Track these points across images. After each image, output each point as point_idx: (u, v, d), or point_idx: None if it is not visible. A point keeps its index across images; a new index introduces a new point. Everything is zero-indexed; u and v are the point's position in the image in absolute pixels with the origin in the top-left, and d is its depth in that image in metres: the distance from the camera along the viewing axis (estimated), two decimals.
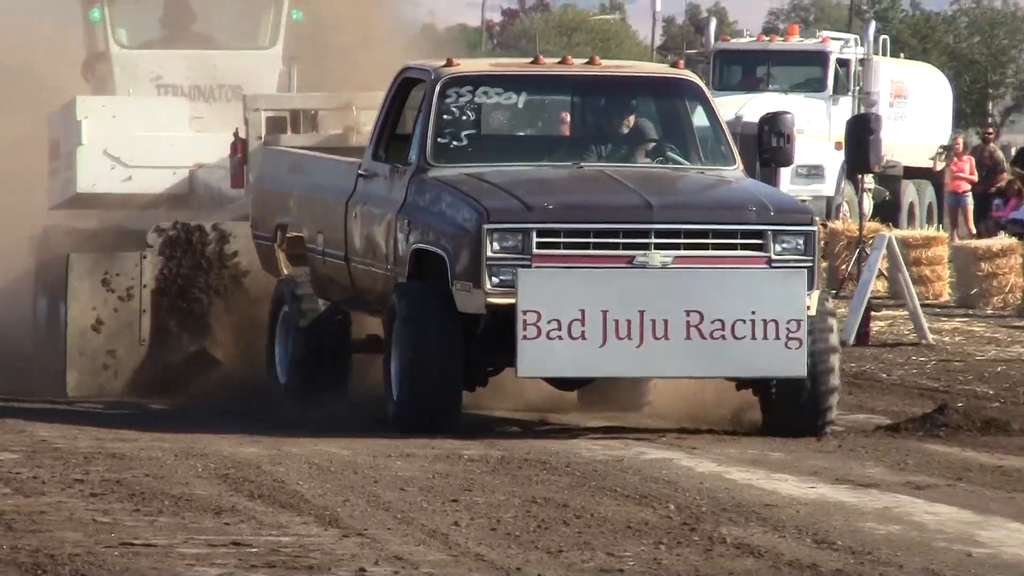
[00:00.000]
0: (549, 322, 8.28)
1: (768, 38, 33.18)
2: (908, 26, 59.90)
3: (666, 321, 8.41)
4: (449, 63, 9.87)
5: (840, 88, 29.67)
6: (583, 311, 8.33)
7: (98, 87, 13.80)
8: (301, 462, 7.88)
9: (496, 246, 8.56)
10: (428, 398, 8.82)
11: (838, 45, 30.65)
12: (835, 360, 9.18)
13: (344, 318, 10.54)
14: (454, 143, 9.66)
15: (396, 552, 5.16)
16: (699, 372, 8.97)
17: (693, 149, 10.07)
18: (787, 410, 9.01)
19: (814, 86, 30.27)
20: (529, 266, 8.52)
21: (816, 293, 9.00)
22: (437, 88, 9.48)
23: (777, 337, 8.50)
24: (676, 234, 8.77)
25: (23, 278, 13.56)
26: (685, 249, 8.76)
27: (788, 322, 8.48)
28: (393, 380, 9.03)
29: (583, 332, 8.35)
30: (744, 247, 8.96)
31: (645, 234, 8.73)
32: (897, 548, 5.50)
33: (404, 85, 10.02)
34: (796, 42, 32.21)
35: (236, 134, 11.89)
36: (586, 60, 10.64)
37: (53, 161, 13.44)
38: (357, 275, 9.99)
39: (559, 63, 10.43)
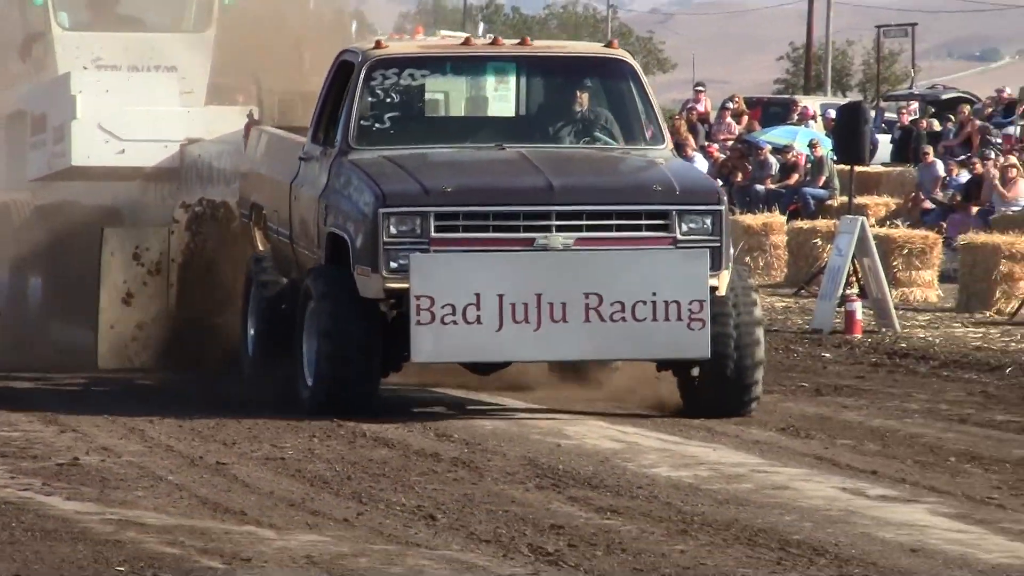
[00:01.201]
0: (443, 307, 8.29)
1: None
2: (510, 27, 69.09)
3: (564, 304, 8.40)
4: (378, 45, 9.89)
5: None
6: (478, 295, 8.35)
7: (37, 67, 14.09)
8: (64, 393, 9.92)
9: (393, 230, 8.53)
10: (343, 386, 8.78)
11: None
12: (759, 334, 9.09)
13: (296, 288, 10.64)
14: (377, 125, 9.71)
15: (103, 444, 6.89)
16: (599, 355, 9.07)
17: (623, 129, 10.01)
18: (709, 389, 8.97)
19: None
20: (427, 250, 8.53)
21: (726, 272, 8.89)
22: (363, 70, 9.52)
23: (679, 318, 8.46)
24: (578, 215, 8.76)
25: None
26: (588, 231, 8.73)
27: (690, 303, 8.44)
28: (306, 366, 9.04)
29: (478, 316, 8.37)
30: (649, 228, 8.87)
31: (546, 216, 8.70)
32: (502, 440, 7.24)
33: (342, 68, 10.01)
34: None
35: (250, 115, 12.12)
36: (518, 40, 10.59)
37: (36, 134, 13.70)
38: (300, 256, 10.13)
39: (490, 44, 10.60)
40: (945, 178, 23.27)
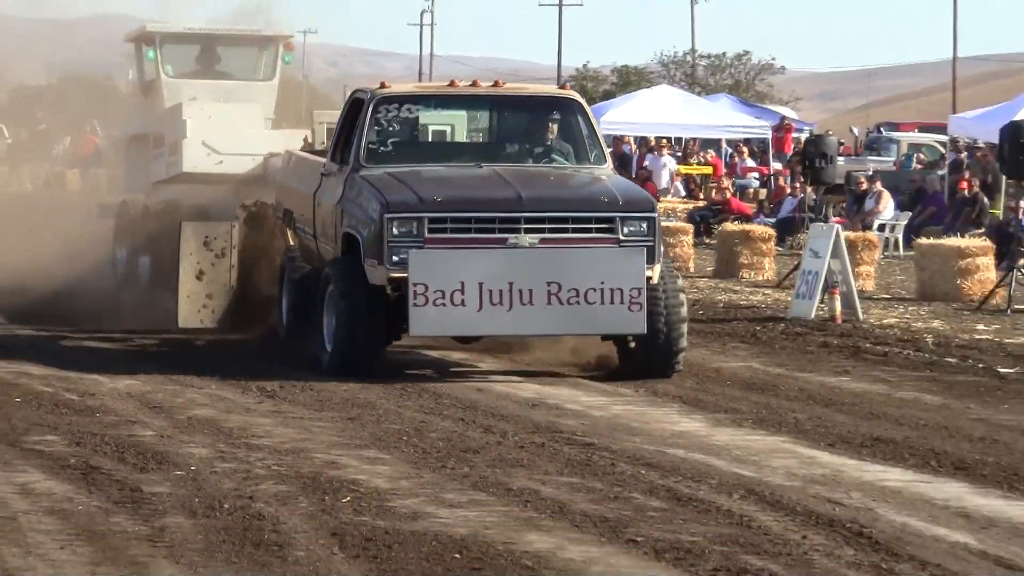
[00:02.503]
0: (435, 292, 10.15)
1: None
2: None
3: (531, 290, 10.23)
4: (383, 86, 12.22)
5: None
6: (462, 283, 10.17)
7: (151, 104, 17.75)
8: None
9: (395, 231, 10.36)
10: (355, 352, 10.74)
11: None
12: (683, 313, 11.04)
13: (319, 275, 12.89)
14: (382, 148, 11.75)
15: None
16: (558, 331, 11.00)
17: (574, 152, 12.02)
18: (642, 356, 10.93)
19: None
20: (422, 247, 10.40)
21: (658, 266, 10.79)
22: (371, 105, 11.61)
23: (622, 302, 10.28)
24: (542, 220, 10.65)
25: (104, 236, 17.55)
26: (550, 232, 10.62)
27: (631, 290, 10.27)
28: (326, 336, 11.01)
29: (463, 300, 10.20)
30: (598, 230, 10.77)
31: (516, 221, 10.57)
32: (464, 391, 10.40)
33: (354, 104, 12.19)
34: None
35: (306, 139, 14.88)
36: (492, 83, 12.84)
37: (157, 148, 16.78)
38: (321, 250, 12.25)
39: (470, 85, 12.61)
40: None
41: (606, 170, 12.01)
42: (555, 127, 12.22)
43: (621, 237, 10.62)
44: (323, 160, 12.88)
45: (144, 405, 9.65)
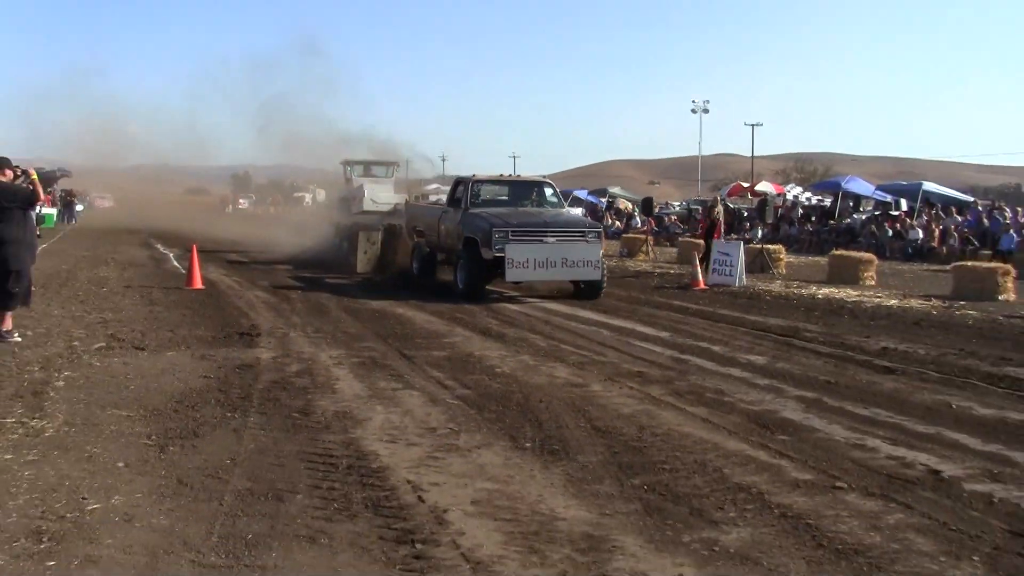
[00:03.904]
0: (517, 262, 20.54)
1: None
2: None
3: (555, 261, 20.80)
4: (474, 176, 23.86)
5: None
6: (527, 258, 20.59)
7: (349, 186, 36.18)
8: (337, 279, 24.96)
9: (496, 235, 20.82)
10: (474, 287, 21.35)
11: None
12: (604, 271, 21.90)
13: (433, 254, 24.95)
14: (478, 200, 23.00)
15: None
16: (566, 278, 21.76)
17: (552, 202, 23.72)
18: (587, 290, 21.72)
19: None
20: (510, 242, 20.64)
21: (601, 251, 21.72)
22: (471, 183, 23.31)
23: (592, 266, 21.12)
24: (557, 232, 21.37)
25: (331, 233, 33.94)
26: (561, 236, 21.37)
27: (596, 260, 21.21)
28: (459, 279, 21.78)
29: (527, 265, 20.58)
30: (578, 235, 21.64)
31: (545, 232, 21.24)
32: (521, 312, 21.31)
33: (460, 182, 24.14)
34: None
35: (407, 199, 30.87)
36: (518, 175, 26.31)
37: (351, 203, 33.80)
38: (443, 244, 23.93)
39: (509, 175, 25.58)
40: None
41: (573, 211, 26.18)
42: (544, 192, 23.97)
43: (588, 239, 21.52)
44: (440, 206, 25.45)
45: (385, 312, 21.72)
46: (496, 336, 15.52)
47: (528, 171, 44.20)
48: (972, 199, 47.21)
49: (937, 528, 6.72)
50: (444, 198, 27.15)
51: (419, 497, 7.06)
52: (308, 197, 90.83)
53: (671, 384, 11.73)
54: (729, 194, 49.01)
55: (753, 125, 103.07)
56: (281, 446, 8.45)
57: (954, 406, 10.79)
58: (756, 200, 46.80)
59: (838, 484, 7.68)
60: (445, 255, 24.04)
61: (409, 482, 7.44)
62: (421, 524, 6.48)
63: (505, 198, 23.30)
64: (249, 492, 7.12)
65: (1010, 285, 22.88)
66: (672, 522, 6.69)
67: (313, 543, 6.10)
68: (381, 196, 32.90)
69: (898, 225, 40.18)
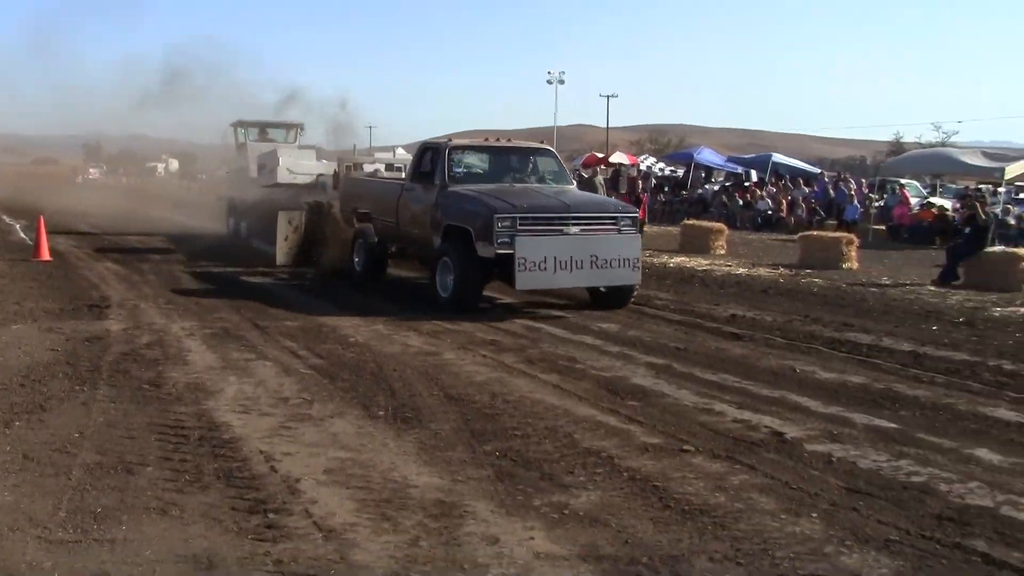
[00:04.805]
0: (530, 263, 14.37)
1: None
2: None
3: (581, 260, 14.65)
4: (450, 140, 17.31)
5: None
6: (545, 257, 14.42)
7: (243, 154, 30.09)
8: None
9: (500, 225, 14.50)
10: (469, 295, 15.14)
11: None
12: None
13: (384, 245, 18.77)
14: (459, 173, 16.73)
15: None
16: (595, 283, 15.44)
17: (553, 177, 17.46)
18: (614, 298, 15.84)
19: None
20: (519, 235, 14.41)
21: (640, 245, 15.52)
22: (448, 150, 16.72)
23: (629, 266, 15.04)
24: (580, 219, 15.06)
25: (221, 210, 30.20)
26: (584, 225, 15.08)
27: (634, 259, 15.10)
28: (450, 284, 15.20)
29: (544, 267, 14.42)
30: (609, 223, 15.35)
31: (566, 219, 14.93)
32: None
33: (428, 150, 17.34)
34: None
35: (335, 171, 23.03)
36: (508, 139, 18.00)
37: (261, 171, 27.76)
38: (404, 232, 17.59)
39: (496, 140, 17.89)
40: None
41: (575, 188, 18.01)
42: (542, 163, 17.69)
43: (621, 228, 15.27)
44: (394, 181, 19.29)
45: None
46: (350, 306, 15.45)
47: (383, 143, 39.35)
48: (819, 171, 48.53)
49: (779, 487, 6.92)
50: (382, 169, 22.42)
51: (271, 467, 7.01)
52: (160, 167, 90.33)
53: (524, 352, 11.84)
54: (584, 164, 49.38)
55: (608, 96, 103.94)
56: (131, 418, 8.28)
57: (798, 370, 11.14)
58: (610, 171, 47.34)
59: (685, 447, 7.86)
60: (402, 247, 18.75)
61: (262, 452, 7.38)
62: (273, 494, 6.44)
63: (486, 169, 17.62)
64: (98, 465, 6.97)
65: (853, 254, 23.47)
66: (523, 487, 6.76)
67: (164, 515, 6.01)
68: (301, 165, 26.49)
69: (748, 196, 41.00)
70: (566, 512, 6.30)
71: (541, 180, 17.16)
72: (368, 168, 22.44)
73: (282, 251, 21.21)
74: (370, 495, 6.50)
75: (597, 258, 14.66)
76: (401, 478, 6.90)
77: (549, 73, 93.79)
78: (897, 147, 75.22)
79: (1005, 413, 9.46)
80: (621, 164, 46.29)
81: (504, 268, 14.71)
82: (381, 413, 8.72)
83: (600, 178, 29.58)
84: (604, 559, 5.52)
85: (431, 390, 9.62)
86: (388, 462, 7.28)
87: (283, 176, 25.94)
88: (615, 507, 6.43)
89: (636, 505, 6.48)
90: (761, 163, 46.54)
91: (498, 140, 17.77)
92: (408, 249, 18.43)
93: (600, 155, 53.10)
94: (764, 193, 40.63)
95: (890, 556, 5.71)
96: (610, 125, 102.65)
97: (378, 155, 24.90)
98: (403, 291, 17.95)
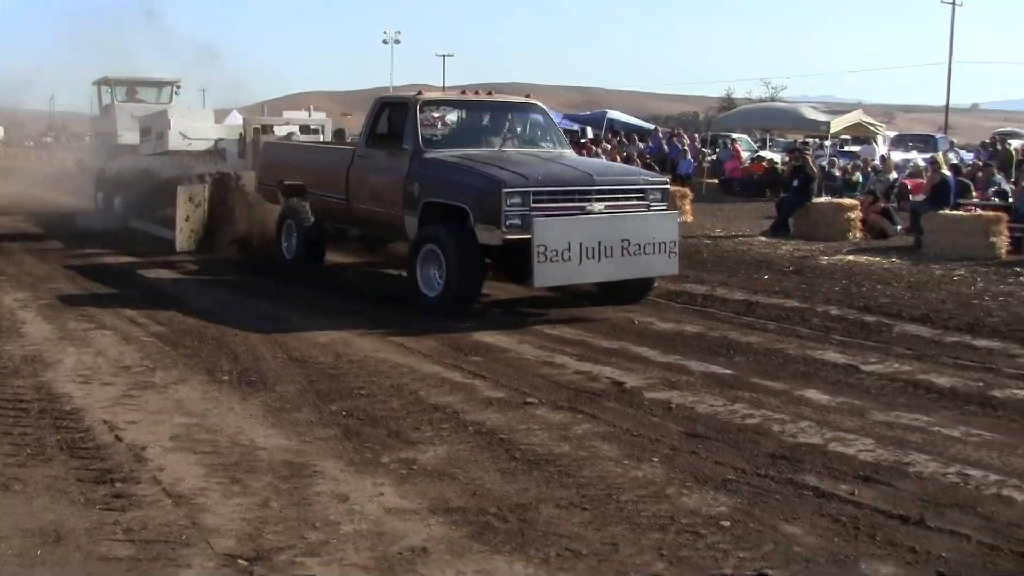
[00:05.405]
0: (551, 251, 11.06)
1: None
2: None
3: (611, 246, 11.42)
4: (420, 92, 13.87)
5: None
6: (568, 243, 11.12)
7: (110, 118, 26.16)
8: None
9: (510, 202, 11.18)
10: (466, 294, 11.92)
11: None
12: None
13: (322, 227, 15.30)
14: (433, 137, 13.52)
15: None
16: (626, 276, 12.07)
17: (545, 138, 14.13)
18: (632, 291, 12.86)
19: None
20: (536, 215, 11.12)
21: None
22: (418, 105, 13.19)
23: (664, 252, 11.91)
24: (604, 193, 11.78)
25: (89, 183, 25.79)
26: (610, 201, 11.77)
27: (670, 243, 12.00)
28: (438, 280, 11.93)
29: (568, 256, 11.13)
30: (637, 198, 12.12)
31: (589, 193, 11.68)
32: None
33: (380, 107, 14.02)
34: None
35: (241, 134, 19.80)
36: (488, 92, 14.33)
37: (146, 136, 23.00)
38: (358, 211, 13.97)
39: (475, 94, 14.23)
40: None
41: (571, 153, 14.26)
42: (531, 122, 14.37)
43: (649, 203, 12.18)
44: (333, 146, 16.71)
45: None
46: (189, 271, 15.27)
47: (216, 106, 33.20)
48: (653, 127, 49.18)
49: (621, 435, 7.12)
50: (297, 132, 19.54)
51: (116, 436, 6.91)
52: None
53: (369, 314, 11.90)
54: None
55: (444, 56, 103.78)
56: None
57: (636, 322, 11.44)
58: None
59: (529, 400, 8.02)
60: (346, 228, 15.43)
61: (105, 422, 7.26)
62: (120, 463, 6.35)
63: (462, 129, 14.79)
64: None
65: (687, 207, 23.82)
66: (371, 444, 6.81)
67: (7, 490, 5.87)
68: (197, 129, 21.75)
69: (584, 153, 41.45)
70: (414, 467, 6.38)
71: (530, 143, 13.98)
72: (280, 131, 19.33)
73: (183, 234, 17.45)
74: (218, 459, 6.48)
75: (629, 243, 11.61)
76: (248, 441, 6.89)
77: (385, 33, 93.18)
78: (728, 103, 76.67)
79: (833, 355, 9.92)
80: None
81: (507, 259, 12.02)
82: (225, 378, 8.67)
83: None
84: (454, 511, 5.62)
85: (275, 353, 9.59)
86: (235, 426, 7.25)
87: (175, 142, 21.64)
88: (462, 460, 6.54)
89: (483, 458, 6.60)
90: (597, 120, 47.01)
91: (477, 93, 14.33)
92: (367, 232, 15.25)
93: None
94: (600, 150, 41.11)
95: (728, 494, 5.96)
96: (446, 84, 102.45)
97: (288, 115, 21.82)
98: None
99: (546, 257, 11.02)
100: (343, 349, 9.83)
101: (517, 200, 11.21)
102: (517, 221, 11.17)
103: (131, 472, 6.21)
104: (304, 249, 15.39)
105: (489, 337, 10.57)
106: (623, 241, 11.49)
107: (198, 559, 4.96)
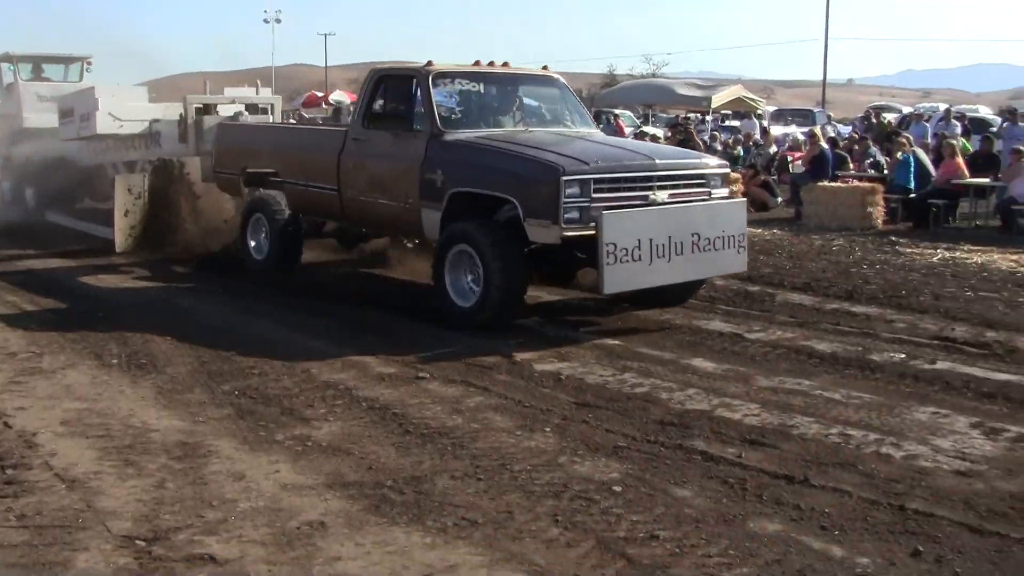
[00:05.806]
0: (621, 250, 9.26)
1: None
2: None
3: (681, 242, 9.68)
4: (429, 63, 11.37)
5: None
6: (639, 240, 9.34)
7: (13, 99, 23.38)
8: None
9: (569, 191, 9.32)
10: (512, 301, 10.03)
11: None
12: None
13: (299, 222, 13.29)
14: (452, 116, 11.27)
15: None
16: (697, 276, 10.64)
17: (568, 115, 12.23)
18: (677, 292, 11.07)
19: None
20: (601, 207, 9.34)
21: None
22: (430, 77, 11.05)
23: (733, 246, 10.23)
24: (667, 179, 9.93)
25: None
26: (672, 189, 9.93)
27: (739, 235, 10.31)
28: (475, 288, 10.10)
29: (639, 255, 9.37)
30: (699, 186, 10.29)
31: (652, 180, 9.81)
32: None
33: (378, 80, 11.88)
34: None
35: (181, 115, 16.72)
36: (503, 63, 11.99)
37: (67, 118, 19.80)
38: (355, 204, 11.80)
39: (489, 65, 11.85)
40: None
41: (600, 133, 12.64)
42: (552, 97, 12.52)
43: (712, 188, 10.48)
44: (319, 128, 15.24)
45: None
46: (73, 255, 15.07)
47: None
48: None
49: (513, 406, 7.24)
50: (244, 112, 17.16)
51: (5, 423, 6.81)
52: None
53: (259, 292, 11.94)
54: (304, 104, 48.94)
55: (326, 35, 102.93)
56: None
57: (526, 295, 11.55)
58: (331, 109, 47.09)
59: (421, 375, 8.09)
60: (319, 223, 13.76)
61: None
62: (10, 449, 6.26)
63: (476, 106, 12.04)
64: None
65: None
66: (265, 423, 6.84)
67: None
68: (129, 109, 18.94)
69: None
70: (309, 444, 6.42)
71: (556, 122, 12.14)
72: (225, 110, 16.98)
73: (123, 232, 15.31)
74: (111, 443, 6.44)
75: (699, 238, 9.94)
76: (141, 423, 6.85)
77: (265, 12, 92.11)
78: (611, 79, 77.17)
79: (718, 325, 10.17)
80: (341, 102, 45.95)
81: (557, 261, 10.53)
82: (115, 361, 8.59)
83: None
84: (350, 485, 5.68)
85: (165, 336, 9.52)
86: (126, 409, 7.21)
87: (105, 124, 18.74)
88: (357, 436, 6.59)
89: (377, 432, 6.67)
90: None
91: (492, 64, 12.03)
92: (350, 228, 13.42)
93: (320, 94, 52.74)
94: None
95: (619, 461, 6.10)
96: (328, 63, 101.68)
97: (230, 92, 19.55)
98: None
99: (616, 257, 9.26)
100: (236, 330, 9.85)
101: (576, 190, 9.41)
102: (575, 214, 9.40)
103: (22, 459, 6.13)
104: (279, 248, 13.38)
105: (383, 315, 10.63)
106: (693, 235, 9.86)
107: (95, 542, 4.95)
